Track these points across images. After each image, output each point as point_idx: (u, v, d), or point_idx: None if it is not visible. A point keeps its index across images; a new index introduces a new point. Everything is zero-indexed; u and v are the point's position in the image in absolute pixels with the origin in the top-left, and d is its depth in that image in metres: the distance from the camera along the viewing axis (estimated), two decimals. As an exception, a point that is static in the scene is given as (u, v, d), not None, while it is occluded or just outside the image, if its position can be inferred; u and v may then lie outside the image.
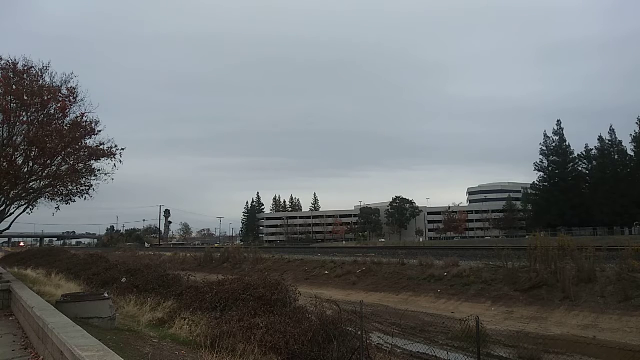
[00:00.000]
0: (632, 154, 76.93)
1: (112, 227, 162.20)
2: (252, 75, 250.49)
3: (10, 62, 16.03)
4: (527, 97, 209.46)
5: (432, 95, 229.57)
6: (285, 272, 29.85)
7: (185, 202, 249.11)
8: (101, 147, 17.71)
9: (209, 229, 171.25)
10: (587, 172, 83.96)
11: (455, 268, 22.19)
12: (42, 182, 18.07)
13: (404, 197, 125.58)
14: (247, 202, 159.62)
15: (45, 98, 15.90)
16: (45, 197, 19.05)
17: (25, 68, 16.19)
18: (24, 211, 19.52)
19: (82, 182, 18.45)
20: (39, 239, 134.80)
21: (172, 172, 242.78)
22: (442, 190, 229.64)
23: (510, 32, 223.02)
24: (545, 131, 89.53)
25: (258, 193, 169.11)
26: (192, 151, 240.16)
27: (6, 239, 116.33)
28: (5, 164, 15.41)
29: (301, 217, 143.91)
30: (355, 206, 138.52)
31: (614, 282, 16.17)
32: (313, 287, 22.86)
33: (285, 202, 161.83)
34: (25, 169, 16.71)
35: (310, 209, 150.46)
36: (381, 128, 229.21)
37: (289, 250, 48.76)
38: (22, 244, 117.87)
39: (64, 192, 18.66)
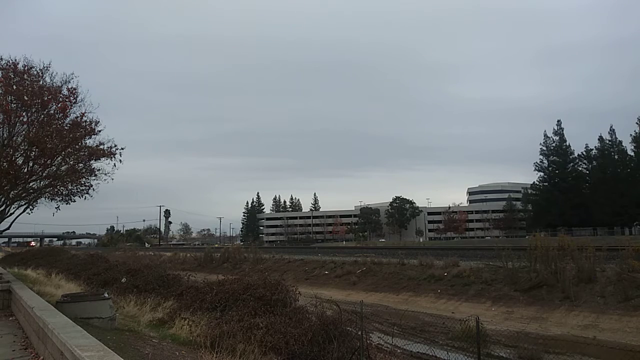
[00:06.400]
0: (632, 154, 76.80)
1: (112, 227, 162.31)
2: (252, 76, 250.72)
3: (11, 62, 16.02)
4: (528, 97, 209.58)
5: (432, 96, 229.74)
6: (285, 272, 29.84)
7: (185, 202, 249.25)
8: (101, 147, 17.71)
9: (209, 229, 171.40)
10: (587, 172, 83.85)
11: (455, 268, 22.18)
12: (42, 182, 18.06)
13: (404, 197, 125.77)
14: (247, 202, 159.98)
15: (46, 98, 15.90)
16: (45, 197, 19.04)
17: (26, 68, 16.18)
18: (24, 211, 19.51)
19: (82, 182, 18.44)
20: (39, 239, 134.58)
21: (173, 172, 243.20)
22: (442, 190, 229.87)
23: (511, 33, 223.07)
24: (545, 131, 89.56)
25: (258, 193, 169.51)
26: (193, 151, 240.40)
27: (6, 239, 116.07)
28: (5, 164, 15.40)
29: (301, 217, 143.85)
30: (355, 206, 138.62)
31: (614, 282, 16.16)
32: (313, 287, 22.87)
33: (285, 202, 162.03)
34: (25, 169, 16.70)
35: (310, 209, 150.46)
36: (381, 128, 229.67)
37: (289, 250, 48.75)
38: (32, 243, 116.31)
39: (64, 192, 18.64)
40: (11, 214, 18.77)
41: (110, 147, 17.82)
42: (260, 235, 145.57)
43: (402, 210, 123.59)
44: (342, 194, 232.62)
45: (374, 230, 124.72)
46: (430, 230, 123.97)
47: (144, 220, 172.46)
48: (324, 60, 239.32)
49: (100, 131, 17.69)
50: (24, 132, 15.98)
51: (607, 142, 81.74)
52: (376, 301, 20.63)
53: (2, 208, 17.44)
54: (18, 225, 21.52)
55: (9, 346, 7.51)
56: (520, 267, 19.22)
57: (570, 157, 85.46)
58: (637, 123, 75.45)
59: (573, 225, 76.31)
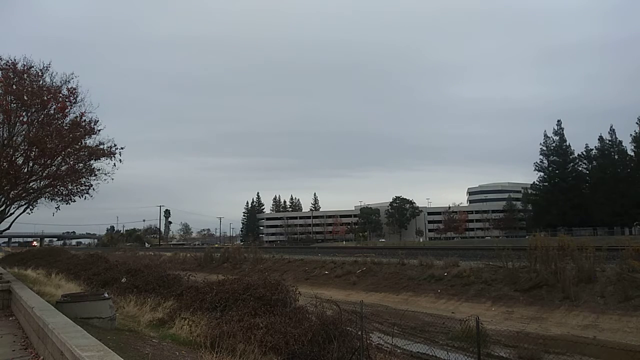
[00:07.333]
0: (632, 154, 76.83)
1: (112, 227, 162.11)
2: (252, 76, 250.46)
3: (10, 62, 16.03)
4: (528, 98, 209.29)
5: (433, 96, 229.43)
6: (285, 272, 29.85)
7: (185, 202, 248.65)
8: (101, 146, 17.73)
9: (209, 229, 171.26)
10: (587, 172, 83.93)
11: (455, 268, 22.18)
12: (42, 182, 18.07)
13: (404, 197, 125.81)
14: (247, 202, 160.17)
15: (45, 98, 15.90)
16: (45, 197, 19.06)
17: (25, 68, 16.19)
18: (24, 211, 19.54)
19: (82, 182, 18.46)
20: (39, 239, 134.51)
21: (173, 172, 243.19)
22: (442, 190, 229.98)
23: (511, 33, 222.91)
24: (545, 131, 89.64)
25: (258, 193, 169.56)
26: (193, 151, 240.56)
27: (6, 239, 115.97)
28: (5, 164, 15.40)
29: (301, 217, 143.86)
30: (355, 206, 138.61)
31: (614, 282, 16.15)
32: (313, 287, 22.85)
33: (285, 202, 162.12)
34: (25, 169, 16.71)
35: (310, 209, 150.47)
36: (382, 128, 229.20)
37: (289, 250, 48.71)
38: (34, 243, 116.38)
39: (64, 192, 18.65)
40: (11, 214, 18.80)
41: (110, 147, 17.86)
42: (260, 235, 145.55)
43: (402, 210, 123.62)
44: (342, 194, 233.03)
45: (374, 230, 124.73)
46: (430, 230, 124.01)
47: (144, 220, 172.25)
48: (324, 61, 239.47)
49: (100, 130, 17.74)
50: (24, 132, 15.99)
51: (607, 142, 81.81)
52: (376, 301, 20.62)
53: (2, 208, 17.45)
54: (18, 225, 21.58)
55: (9, 346, 7.51)
56: (520, 267, 19.22)
57: (570, 157, 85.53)
58: (637, 123, 75.57)
59: (573, 225, 76.28)
